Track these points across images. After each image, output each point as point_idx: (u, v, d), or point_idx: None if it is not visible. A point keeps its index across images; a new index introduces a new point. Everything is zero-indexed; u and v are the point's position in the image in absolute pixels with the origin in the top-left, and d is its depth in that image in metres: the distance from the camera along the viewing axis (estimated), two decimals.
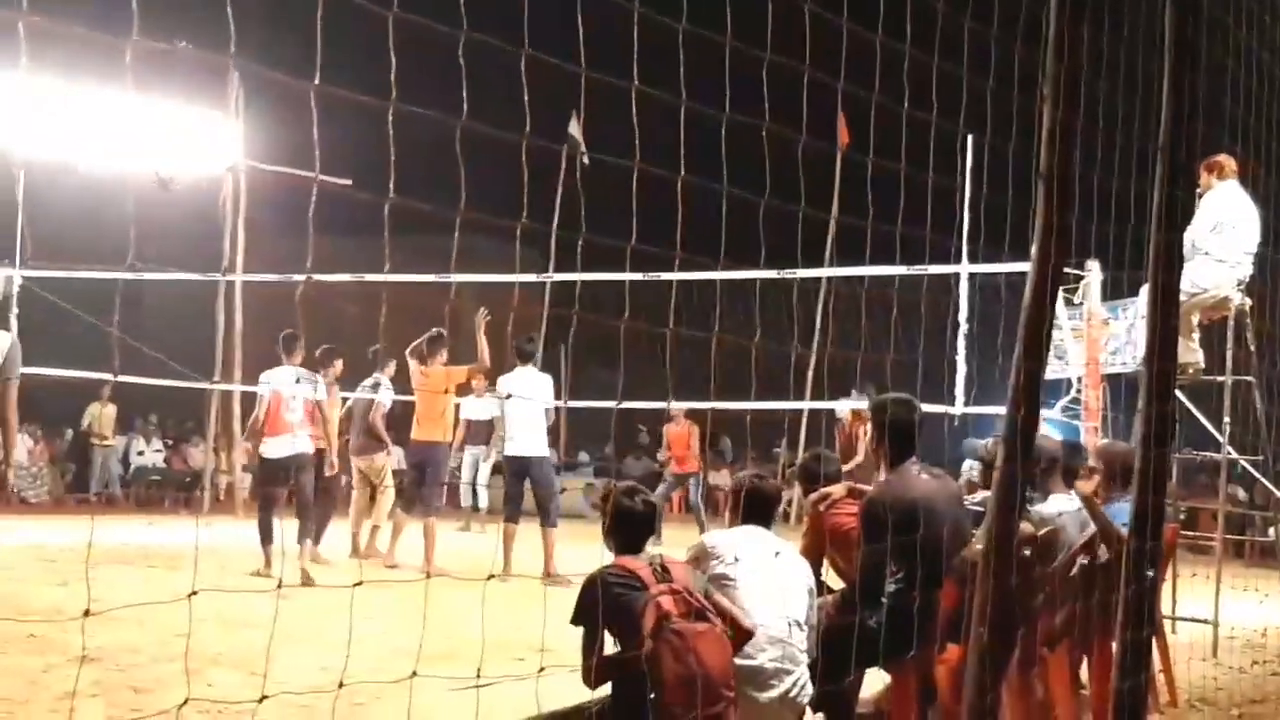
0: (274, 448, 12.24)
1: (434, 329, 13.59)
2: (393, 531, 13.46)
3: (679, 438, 18.70)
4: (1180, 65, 4.76)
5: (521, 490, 13.04)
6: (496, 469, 19.63)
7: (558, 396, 15.72)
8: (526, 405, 12.77)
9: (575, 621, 4.92)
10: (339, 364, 13.48)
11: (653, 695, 4.68)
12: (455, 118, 3.56)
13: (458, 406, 15.03)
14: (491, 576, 4.21)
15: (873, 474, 6.82)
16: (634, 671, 4.73)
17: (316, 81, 3.10)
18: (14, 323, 16.38)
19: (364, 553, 14.01)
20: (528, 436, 12.99)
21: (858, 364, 6.02)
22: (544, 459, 13.15)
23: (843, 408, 15.60)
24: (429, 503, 13.37)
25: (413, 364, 13.59)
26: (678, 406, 17.92)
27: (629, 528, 5.20)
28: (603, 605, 4.79)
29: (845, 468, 15.37)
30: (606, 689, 4.94)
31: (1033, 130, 4.40)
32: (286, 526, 11.58)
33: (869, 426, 7.32)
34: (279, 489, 12.36)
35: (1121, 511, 6.50)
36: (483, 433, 19.12)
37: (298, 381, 12.21)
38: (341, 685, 3.69)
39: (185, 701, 3.71)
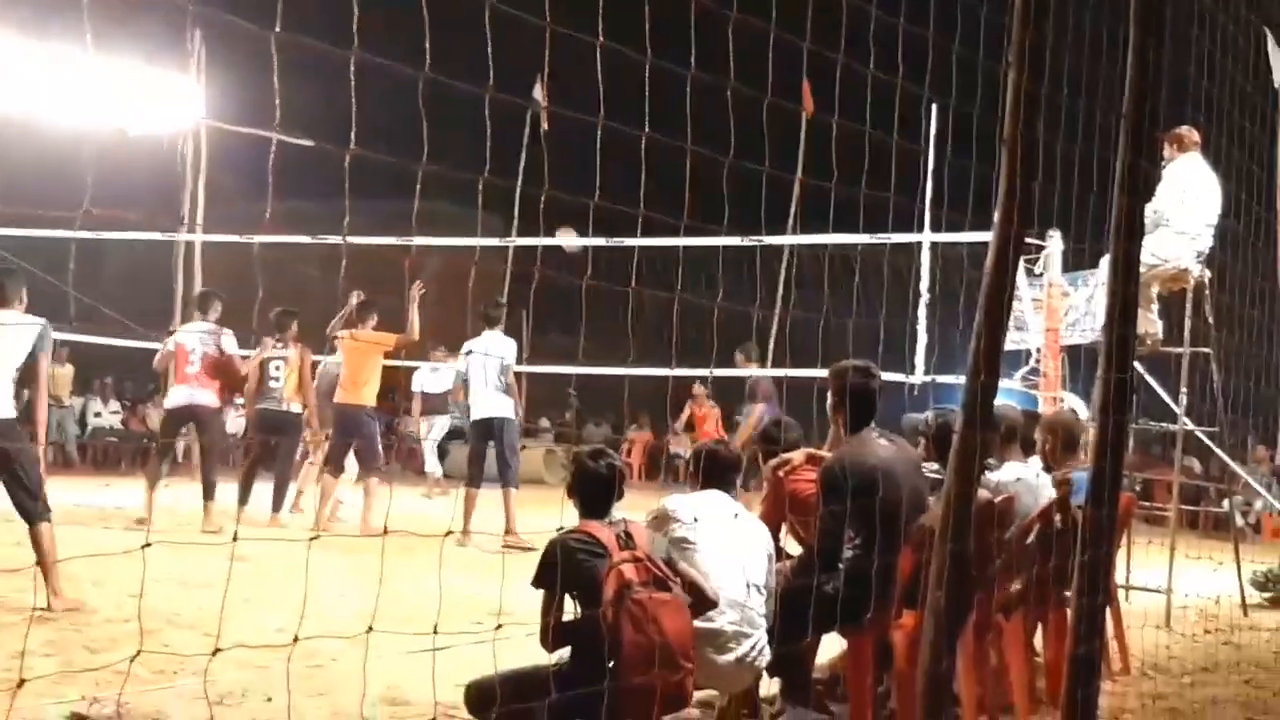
0: (171, 398, 13.04)
1: (360, 295, 13.66)
2: (321, 495, 13.34)
3: (703, 419, 18.82)
4: (1145, 34, 4.77)
5: (484, 453, 13.03)
6: (454, 434, 19.61)
7: (520, 361, 15.66)
8: (490, 368, 12.83)
9: (536, 584, 4.92)
10: (294, 325, 13.65)
11: (611, 664, 4.68)
12: (418, 71, 3.52)
13: (397, 374, 14.95)
14: (449, 533, 4.20)
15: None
16: (594, 638, 4.73)
17: (277, 29, 3.05)
18: None
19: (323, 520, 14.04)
20: (492, 398, 12.96)
21: (819, 331, 6.01)
22: (508, 420, 13.06)
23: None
24: (368, 463, 13.40)
25: (340, 331, 13.67)
26: (700, 388, 18.06)
27: (593, 490, 5.18)
28: (564, 570, 4.78)
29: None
30: (565, 652, 4.95)
31: (998, 97, 4.40)
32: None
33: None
34: (172, 439, 13.47)
35: (1077, 481, 6.56)
36: (438, 404, 19.06)
37: (205, 337, 12.82)
38: (296, 640, 3.67)
39: (138, 654, 3.67)
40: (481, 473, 12.98)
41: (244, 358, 13.40)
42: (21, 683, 3.60)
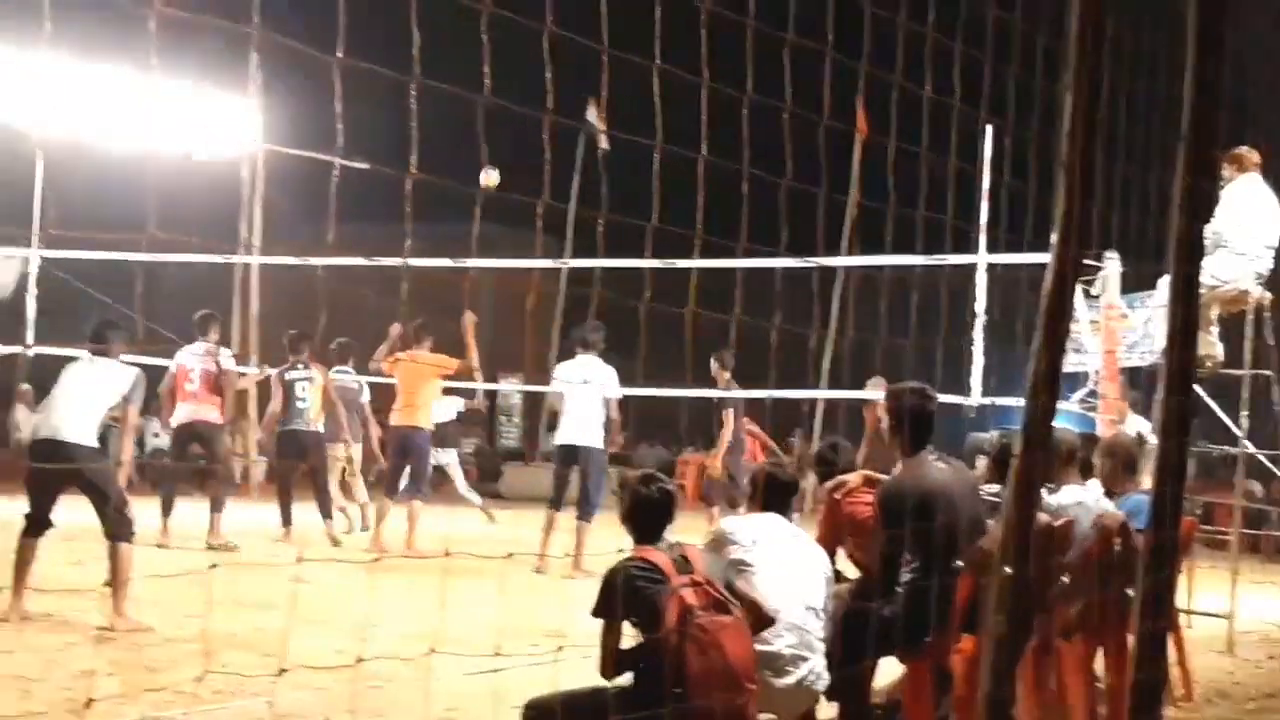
0: (175, 416, 13.39)
1: (398, 327, 13.74)
2: (377, 517, 13.41)
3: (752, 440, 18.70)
4: (1204, 55, 4.73)
5: (567, 478, 12.77)
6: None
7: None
8: (582, 394, 12.53)
9: (597, 614, 4.92)
10: (308, 347, 14.08)
11: (678, 690, 4.67)
12: (476, 95, 3.54)
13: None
14: (510, 555, 4.22)
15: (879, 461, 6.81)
16: (657, 663, 4.73)
17: (339, 54, 3.08)
18: (31, 303, 16.46)
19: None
20: (582, 425, 12.61)
21: (876, 353, 6.00)
22: (595, 450, 12.69)
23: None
24: (417, 487, 13.40)
25: (381, 350, 13.68)
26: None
27: (646, 516, 5.18)
28: (625, 598, 4.79)
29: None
30: (626, 676, 4.94)
31: (1054, 119, 4.38)
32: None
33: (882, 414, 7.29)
34: (183, 459, 13.83)
35: (1136, 504, 6.50)
36: (451, 433, 18.50)
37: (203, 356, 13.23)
38: (360, 661, 3.68)
39: (204, 674, 3.70)
40: (563, 498, 12.81)
41: (242, 374, 14.09)
42: (89, 703, 3.63)
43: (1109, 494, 7.29)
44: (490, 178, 11.69)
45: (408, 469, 13.46)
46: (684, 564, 4.93)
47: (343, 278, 16.44)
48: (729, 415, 14.62)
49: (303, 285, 18.33)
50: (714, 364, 14.08)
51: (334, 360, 14.89)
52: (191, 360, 13.19)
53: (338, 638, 7.61)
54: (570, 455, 12.69)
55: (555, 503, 12.69)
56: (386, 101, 3.78)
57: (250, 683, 6.10)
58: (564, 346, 26.40)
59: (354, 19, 3.38)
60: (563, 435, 12.80)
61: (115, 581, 8.02)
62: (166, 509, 13.00)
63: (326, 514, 13.75)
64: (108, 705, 5.61)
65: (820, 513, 6.85)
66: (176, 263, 17.91)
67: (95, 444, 8.52)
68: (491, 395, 31.89)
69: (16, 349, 16.63)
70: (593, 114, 21.10)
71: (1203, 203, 4.81)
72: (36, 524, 8.28)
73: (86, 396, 8.52)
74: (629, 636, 4.96)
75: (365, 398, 15.67)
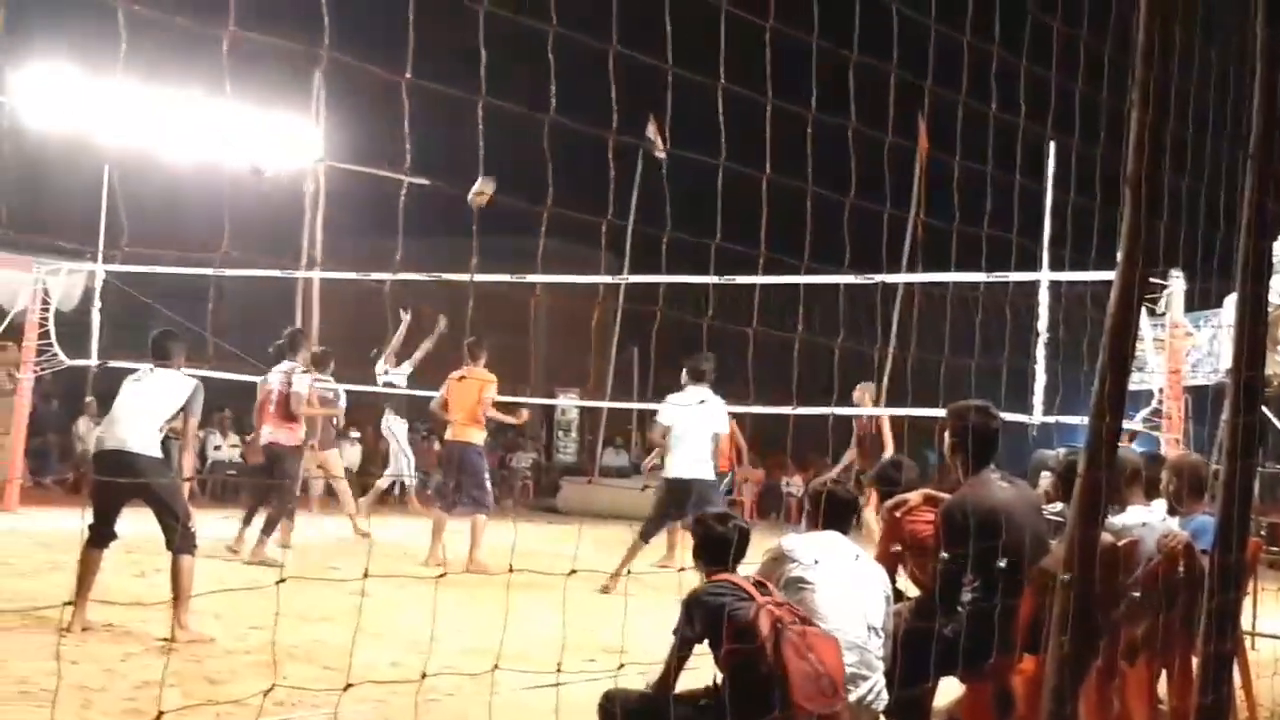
0: (260, 435, 13.41)
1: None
2: (433, 532, 13.36)
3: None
4: (1272, 70, 4.69)
5: (669, 515, 12.41)
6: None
7: (638, 398, 15.50)
8: (695, 427, 12.07)
9: (679, 631, 4.95)
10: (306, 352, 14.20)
11: (772, 697, 4.71)
12: (541, 113, 3.55)
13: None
14: (574, 572, 4.23)
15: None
16: (753, 671, 4.78)
17: (408, 75, 3.10)
18: (96, 316, 16.65)
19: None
20: (694, 460, 12.10)
21: (940, 370, 5.96)
22: (709, 482, 12.19)
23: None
24: (479, 501, 13.28)
25: (456, 372, 13.64)
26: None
27: (719, 553, 5.25)
28: (709, 616, 4.87)
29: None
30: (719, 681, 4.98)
31: (1120, 135, 4.35)
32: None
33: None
34: (262, 476, 13.65)
35: (1202, 525, 6.43)
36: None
37: (283, 376, 13.29)
38: (424, 676, 3.70)
39: (271, 687, 3.73)
40: (659, 530, 12.72)
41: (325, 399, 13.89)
42: (159, 715, 3.66)
43: (1173, 513, 7.22)
44: (484, 189, 11.63)
45: (463, 483, 13.41)
46: (762, 588, 4.99)
47: (401, 292, 16.54)
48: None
49: (363, 299, 18.44)
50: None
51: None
52: (274, 380, 13.31)
53: (396, 651, 7.66)
54: (682, 489, 12.04)
55: (648, 534, 12.39)
56: (447, 117, 3.80)
57: (309, 695, 6.15)
58: (619, 363, 26.57)
59: (417, 35, 3.40)
60: (676, 468, 12.18)
61: (177, 594, 8.04)
62: (247, 519, 13.05)
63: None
64: (171, 717, 5.65)
65: (880, 531, 6.82)
66: (237, 277, 18.01)
67: (159, 455, 8.58)
68: (549, 411, 31.99)
69: (82, 362, 16.78)
70: (652, 131, 21.15)
71: (1270, 221, 4.77)
72: (101, 536, 8.27)
73: (148, 408, 8.56)
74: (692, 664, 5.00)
75: (342, 404, 15.74)
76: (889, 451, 13.81)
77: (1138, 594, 6.27)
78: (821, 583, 5.41)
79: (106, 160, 16.43)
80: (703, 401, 11.78)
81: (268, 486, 13.19)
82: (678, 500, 12.01)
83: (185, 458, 9.31)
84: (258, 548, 12.43)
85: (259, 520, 12.84)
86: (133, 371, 8.99)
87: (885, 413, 14.36)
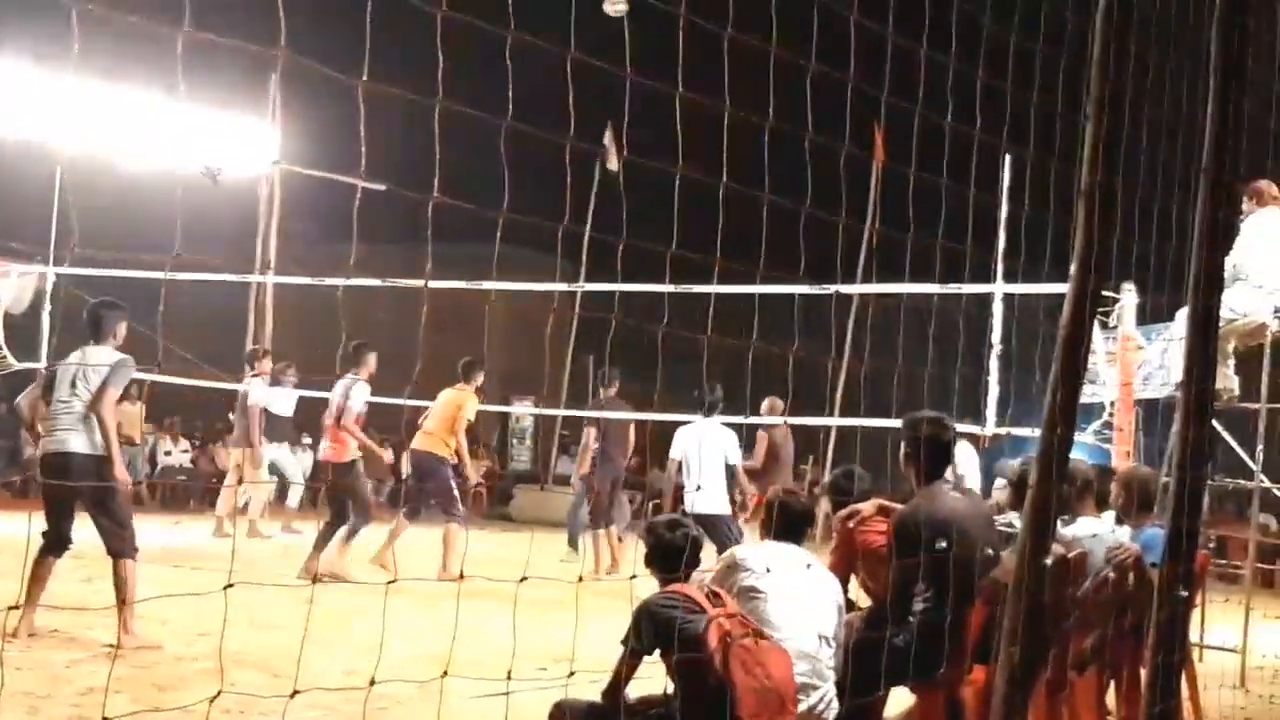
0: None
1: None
2: (390, 536, 13.16)
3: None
4: (1225, 84, 4.72)
5: None
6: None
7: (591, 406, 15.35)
8: (709, 460, 12.00)
9: (628, 642, 4.93)
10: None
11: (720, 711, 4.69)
12: (499, 117, 3.54)
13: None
14: (524, 579, 4.18)
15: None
16: (699, 684, 4.77)
17: (364, 77, 3.08)
18: (46, 319, 16.51)
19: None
20: (712, 494, 12.04)
21: (894, 381, 5.98)
22: (726, 517, 12.15)
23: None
24: (451, 512, 13.04)
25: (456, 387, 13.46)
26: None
27: (672, 560, 5.22)
28: (659, 628, 4.84)
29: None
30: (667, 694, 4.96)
31: (1074, 149, 4.37)
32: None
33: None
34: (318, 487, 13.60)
35: (1152, 538, 6.46)
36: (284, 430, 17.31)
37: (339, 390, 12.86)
38: (373, 683, 3.67)
39: (218, 694, 3.69)
40: None
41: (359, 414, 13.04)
42: None
43: (1120, 524, 7.26)
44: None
45: (431, 492, 13.23)
46: (716, 599, 4.96)
47: (355, 298, 16.45)
48: (589, 432, 14.62)
49: (314, 305, 18.33)
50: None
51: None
52: (334, 394, 12.89)
53: (345, 658, 7.60)
54: (705, 526, 10.72)
55: None
56: (403, 122, 3.77)
57: (258, 703, 6.10)
58: (574, 371, 26.52)
59: (375, 39, 3.38)
60: (698, 504, 11.89)
61: (121, 599, 7.84)
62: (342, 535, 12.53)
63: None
64: None
65: (834, 541, 6.82)
66: (192, 281, 17.90)
67: (96, 452, 8.01)
68: (504, 418, 31.90)
69: (32, 365, 16.59)
70: (609, 139, 21.18)
71: (1223, 234, 4.80)
72: (53, 543, 7.99)
73: (81, 396, 8.03)
74: (645, 674, 4.98)
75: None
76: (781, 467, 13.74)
77: (1086, 606, 6.30)
78: (773, 592, 5.41)
79: (58, 162, 16.29)
80: (714, 431, 11.77)
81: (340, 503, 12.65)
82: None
83: (112, 448, 8.06)
84: (338, 559, 12.17)
85: (335, 533, 12.42)
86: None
87: (793, 422, 14.15)
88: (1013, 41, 4.85)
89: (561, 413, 23.42)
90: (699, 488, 11.94)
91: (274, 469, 16.65)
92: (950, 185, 5.06)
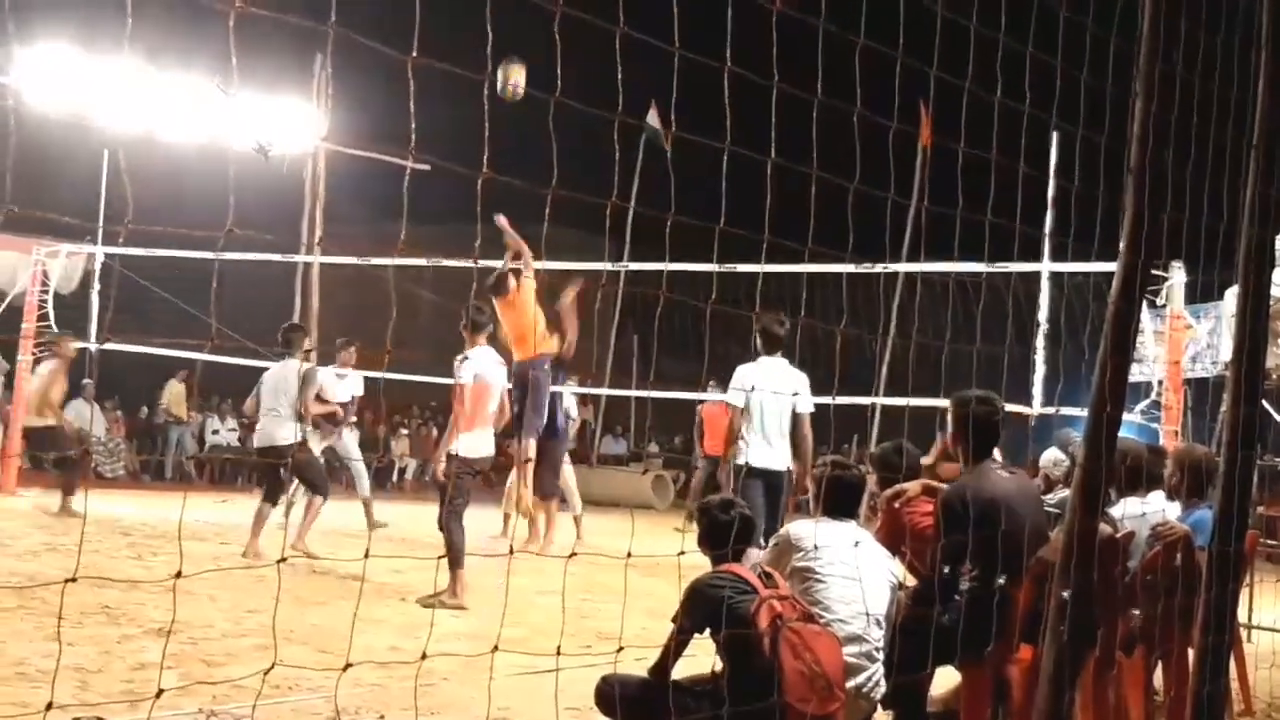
0: None
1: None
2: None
3: (714, 417, 16.90)
4: (1276, 59, 4.67)
5: (759, 506, 8.99)
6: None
7: (639, 385, 15.23)
8: (778, 405, 9.58)
9: (678, 620, 4.93)
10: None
11: (769, 692, 4.69)
12: (545, 94, 3.54)
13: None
14: (574, 554, 4.19)
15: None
16: (748, 665, 4.78)
17: (414, 54, 3.08)
18: (95, 299, 16.65)
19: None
20: (775, 446, 9.69)
21: (942, 359, 5.94)
22: (789, 475, 9.76)
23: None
24: (529, 427, 12.30)
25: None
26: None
27: (724, 540, 5.18)
28: (710, 608, 4.83)
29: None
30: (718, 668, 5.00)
31: (1124, 125, 4.34)
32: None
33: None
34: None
35: (1201, 520, 6.41)
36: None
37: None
38: (425, 657, 3.69)
39: (271, 666, 3.71)
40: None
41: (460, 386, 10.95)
42: (160, 693, 3.66)
43: (1170, 501, 7.22)
44: (513, 75, 10.31)
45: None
46: (769, 579, 4.95)
47: (399, 277, 16.48)
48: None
49: (358, 284, 18.38)
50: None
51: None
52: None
53: (390, 635, 7.65)
54: (764, 480, 9.61)
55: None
56: (448, 100, 3.77)
57: (305, 678, 6.15)
58: (619, 348, 26.55)
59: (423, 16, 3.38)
60: (756, 456, 9.63)
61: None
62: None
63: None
64: (167, 698, 5.65)
65: (878, 520, 6.80)
66: (239, 260, 17.99)
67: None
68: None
69: (81, 344, 16.67)
70: (653, 116, 21.14)
71: (1274, 211, 4.76)
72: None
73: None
74: (694, 651, 4.99)
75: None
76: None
77: (1133, 586, 6.27)
78: (825, 573, 5.40)
79: (107, 141, 16.40)
80: (777, 390, 9.55)
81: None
82: (758, 490, 9.47)
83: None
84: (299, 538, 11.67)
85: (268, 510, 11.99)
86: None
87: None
88: (1062, 18, 4.81)
89: (607, 392, 23.42)
90: (768, 439, 9.73)
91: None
92: (999, 161, 5.02)
